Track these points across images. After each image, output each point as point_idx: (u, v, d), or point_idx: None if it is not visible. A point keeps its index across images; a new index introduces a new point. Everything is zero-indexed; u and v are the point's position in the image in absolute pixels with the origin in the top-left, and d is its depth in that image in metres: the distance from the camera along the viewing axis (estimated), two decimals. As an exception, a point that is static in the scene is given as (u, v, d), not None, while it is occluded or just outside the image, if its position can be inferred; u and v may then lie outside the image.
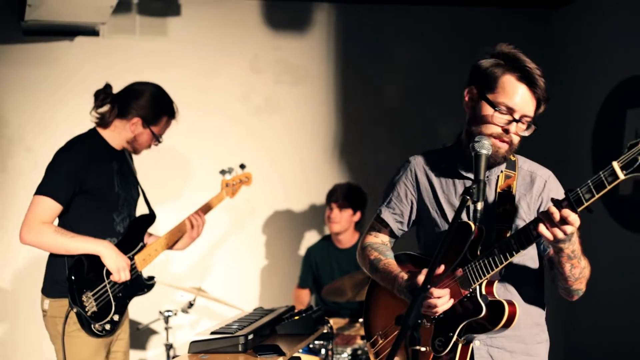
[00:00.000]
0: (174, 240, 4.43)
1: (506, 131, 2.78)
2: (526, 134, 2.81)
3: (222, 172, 4.79)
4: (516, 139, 2.82)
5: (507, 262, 2.70)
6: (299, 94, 6.28)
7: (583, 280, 2.82)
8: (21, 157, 5.63)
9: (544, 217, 2.57)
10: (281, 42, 6.23)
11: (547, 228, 2.57)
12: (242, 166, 4.83)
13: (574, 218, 2.52)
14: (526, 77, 2.76)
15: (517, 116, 2.77)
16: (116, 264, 4.03)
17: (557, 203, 2.54)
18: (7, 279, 5.67)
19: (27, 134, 5.66)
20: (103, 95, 4.19)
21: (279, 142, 6.24)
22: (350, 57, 6.37)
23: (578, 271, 2.76)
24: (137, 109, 4.18)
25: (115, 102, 4.19)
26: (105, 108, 4.19)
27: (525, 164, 2.98)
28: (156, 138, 4.29)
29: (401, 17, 6.39)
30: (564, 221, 2.52)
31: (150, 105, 4.21)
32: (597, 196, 2.45)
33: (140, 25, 5.85)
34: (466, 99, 2.91)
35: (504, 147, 2.80)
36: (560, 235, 2.55)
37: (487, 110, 2.80)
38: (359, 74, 6.39)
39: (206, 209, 4.58)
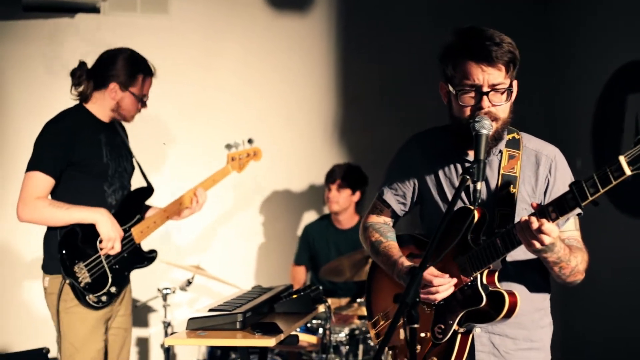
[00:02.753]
0: (174, 213, 4.44)
1: (480, 107, 2.72)
2: (504, 102, 2.74)
3: (228, 146, 4.77)
4: (501, 112, 2.75)
5: (510, 251, 2.66)
6: (300, 73, 6.27)
7: (577, 274, 2.77)
8: (21, 135, 5.62)
9: (521, 225, 2.55)
10: (283, 21, 6.22)
11: (523, 236, 2.56)
12: (250, 141, 4.81)
13: (548, 228, 2.50)
14: (479, 55, 2.69)
15: (485, 89, 2.71)
16: (108, 233, 4.03)
17: (542, 210, 2.52)
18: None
19: (27, 111, 5.65)
20: (79, 72, 4.22)
21: (280, 121, 6.23)
22: (352, 36, 6.36)
23: (568, 271, 2.73)
24: (111, 75, 4.18)
25: (91, 76, 4.20)
26: (83, 85, 4.21)
27: (530, 142, 2.92)
28: (139, 99, 4.26)
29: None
30: (540, 230, 2.50)
31: (123, 68, 4.19)
32: (602, 191, 2.37)
33: (142, 2, 5.83)
34: (442, 94, 2.89)
35: (493, 124, 2.73)
36: (537, 245, 2.54)
37: (458, 96, 2.76)
38: (360, 53, 6.37)
39: (210, 182, 4.58)
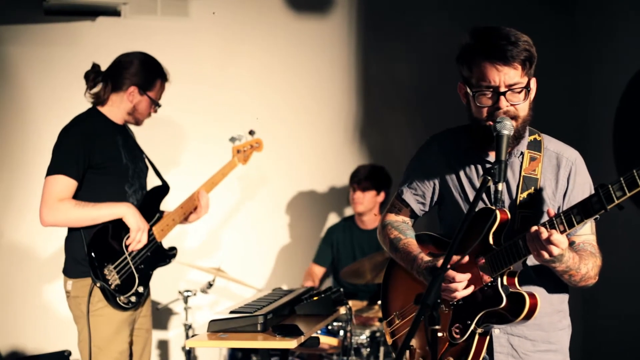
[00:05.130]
0: (189, 210, 4.44)
1: (498, 108, 2.71)
2: (521, 101, 2.73)
3: (232, 139, 4.79)
4: (520, 110, 2.74)
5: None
6: (321, 75, 6.26)
7: (589, 279, 2.76)
8: (42, 138, 5.65)
9: (531, 235, 2.56)
10: (302, 22, 6.21)
11: (532, 246, 2.56)
12: (252, 132, 4.84)
13: (557, 239, 2.50)
14: (494, 55, 2.68)
15: (501, 90, 2.70)
16: (137, 223, 4.07)
17: (551, 221, 2.53)
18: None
19: (49, 115, 5.67)
20: (93, 75, 4.23)
21: (301, 122, 6.23)
22: (372, 37, 6.34)
23: (578, 278, 2.73)
24: (130, 78, 4.21)
25: (108, 78, 4.22)
26: (98, 87, 4.22)
27: (550, 144, 2.91)
28: (155, 103, 4.31)
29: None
30: (550, 241, 2.51)
31: (142, 72, 4.23)
32: (628, 194, 2.37)
33: (162, 5, 5.84)
34: (460, 95, 2.89)
35: (513, 124, 2.72)
36: (546, 255, 2.54)
37: (476, 97, 2.75)
38: (380, 54, 6.36)
39: (220, 177, 4.59)
